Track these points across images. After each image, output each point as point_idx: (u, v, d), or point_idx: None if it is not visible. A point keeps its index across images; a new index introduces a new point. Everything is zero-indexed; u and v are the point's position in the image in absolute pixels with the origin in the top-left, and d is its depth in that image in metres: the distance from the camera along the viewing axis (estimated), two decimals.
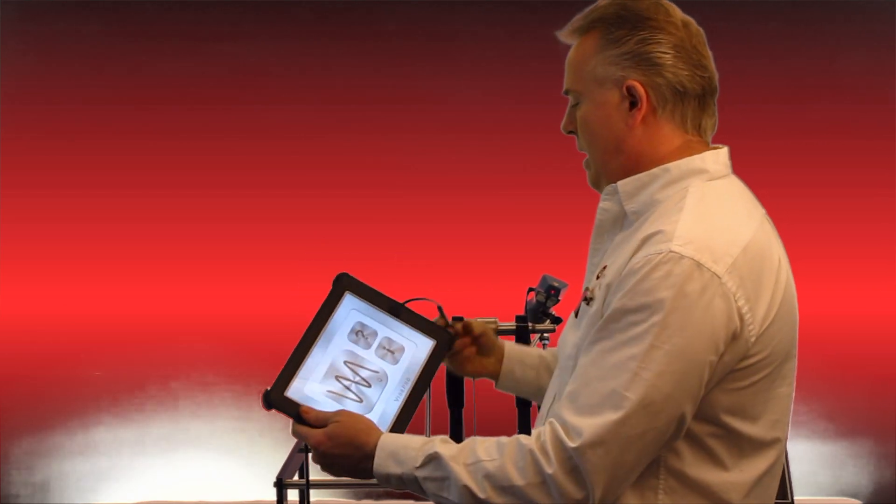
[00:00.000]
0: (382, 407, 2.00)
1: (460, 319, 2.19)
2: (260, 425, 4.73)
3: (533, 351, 2.24)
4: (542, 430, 1.75)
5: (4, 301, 4.73)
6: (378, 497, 4.60)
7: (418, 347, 2.07)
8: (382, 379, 2.03)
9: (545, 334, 3.16)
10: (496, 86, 4.81)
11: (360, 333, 2.06)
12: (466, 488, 1.77)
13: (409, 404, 2.01)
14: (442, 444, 1.82)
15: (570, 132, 1.94)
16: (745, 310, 1.74)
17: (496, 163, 4.79)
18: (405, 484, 1.84)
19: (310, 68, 4.84)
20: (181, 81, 4.82)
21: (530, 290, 3.10)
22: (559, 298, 3.07)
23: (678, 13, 1.87)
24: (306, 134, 4.83)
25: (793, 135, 4.74)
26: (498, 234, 4.74)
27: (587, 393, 1.73)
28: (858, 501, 4.56)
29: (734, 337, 1.74)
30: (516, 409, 3.20)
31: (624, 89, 1.85)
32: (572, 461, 1.71)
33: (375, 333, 2.07)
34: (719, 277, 1.72)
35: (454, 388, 3.17)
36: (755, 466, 1.82)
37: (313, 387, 2.00)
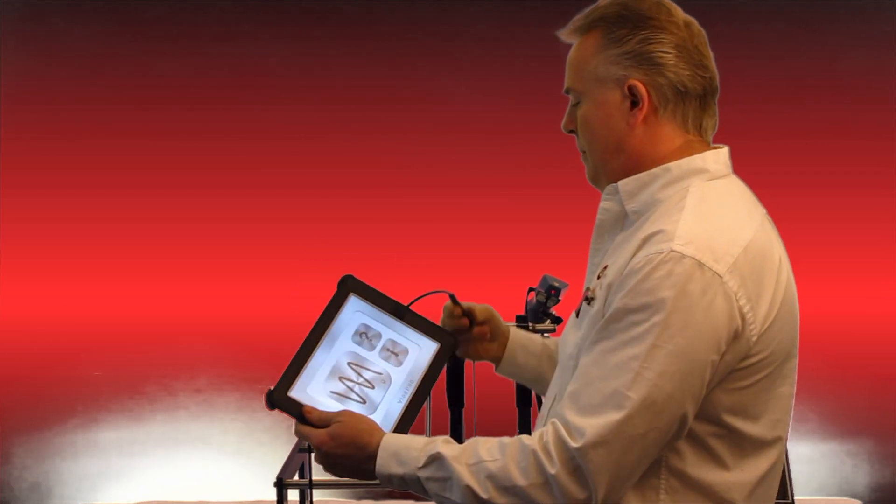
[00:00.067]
0: (385, 408, 2.00)
1: (469, 310, 2.18)
2: (260, 425, 4.73)
3: (536, 338, 2.24)
4: (545, 430, 1.75)
5: (4, 301, 4.73)
6: (378, 497, 4.60)
7: (422, 350, 2.07)
8: (386, 381, 2.03)
9: (545, 334, 3.15)
10: (496, 86, 4.81)
11: (364, 335, 2.06)
12: (469, 488, 1.77)
13: (412, 406, 2.01)
14: (444, 445, 1.82)
15: (571, 131, 1.94)
16: (746, 309, 1.74)
17: (496, 163, 4.79)
18: (407, 484, 1.84)
19: (310, 68, 4.84)
20: (181, 81, 4.82)
21: (530, 290, 3.11)
22: (559, 298, 3.07)
23: (680, 13, 1.88)
24: (306, 134, 4.83)
25: (793, 135, 4.74)
26: (498, 234, 4.74)
27: (589, 393, 1.73)
28: (858, 501, 4.56)
29: (735, 336, 1.74)
30: (516, 410, 3.20)
31: (625, 89, 1.85)
32: (575, 461, 1.71)
33: (379, 335, 2.07)
34: (721, 277, 1.73)
35: (454, 388, 3.17)
36: (756, 466, 1.82)
37: (316, 387, 2.00)
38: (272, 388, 1.98)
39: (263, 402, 1.98)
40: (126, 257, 4.76)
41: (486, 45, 4.81)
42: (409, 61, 4.83)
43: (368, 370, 2.04)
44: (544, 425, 1.81)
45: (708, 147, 1.89)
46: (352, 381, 2.02)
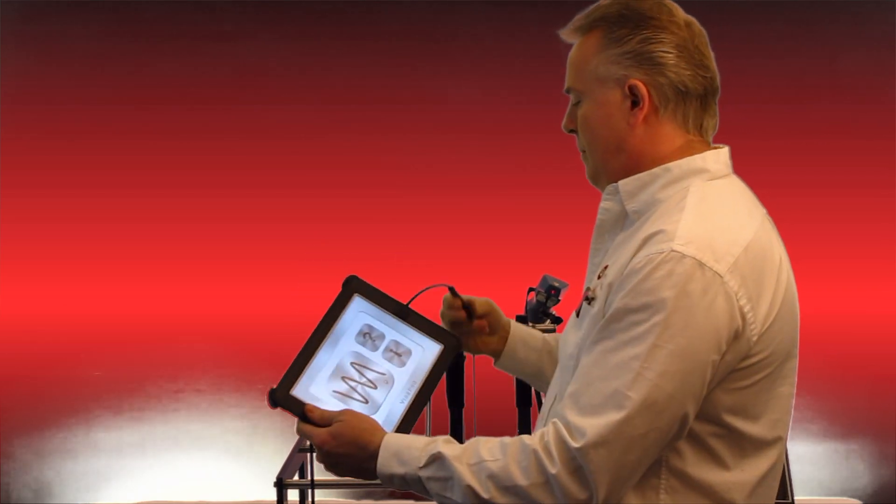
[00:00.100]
0: (388, 409, 2.01)
1: (468, 303, 2.18)
2: (260, 425, 4.73)
3: (537, 333, 2.24)
4: (546, 430, 1.75)
5: (4, 301, 4.73)
6: (378, 497, 4.60)
7: (425, 351, 2.07)
8: (389, 381, 2.03)
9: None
10: (496, 86, 4.81)
11: (367, 335, 2.07)
12: (470, 488, 1.77)
13: (414, 407, 2.01)
14: (445, 445, 1.82)
15: (571, 131, 1.94)
16: (746, 309, 1.74)
17: (496, 163, 4.79)
18: (408, 484, 1.84)
19: (310, 68, 4.84)
20: (181, 81, 4.82)
21: (530, 290, 3.10)
22: (559, 298, 3.07)
23: (681, 13, 1.88)
24: (306, 134, 4.83)
25: (793, 135, 4.74)
26: (498, 234, 4.74)
27: (590, 393, 1.73)
28: (858, 501, 4.56)
29: (736, 336, 1.74)
30: (516, 410, 3.20)
31: (626, 88, 1.85)
32: (576, 461, 1.71)
33: (383, 336, 2.07)
34: (721, 277, 1.73)
35: (454, 388, 3.17)
36: (757, 466, 1.82)
37: (319, 386, 2.00)
38: (275, 386, 1.98)
39: (266, 400, 1.98)
40: (126, 257, 4.76)
41: (486, 45, 4.81)
42: (409, 61, 4.83)
43: (371, 370, 2.04)
44: (545, 425, 1.81)
45: (708, 147, 1.89)
46: (354, 380, 2.03)
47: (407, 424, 1.99)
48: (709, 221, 1.77)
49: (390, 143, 4.80)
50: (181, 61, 4.82)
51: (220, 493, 4.61)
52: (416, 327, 2.08)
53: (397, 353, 2.06)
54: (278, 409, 1.98)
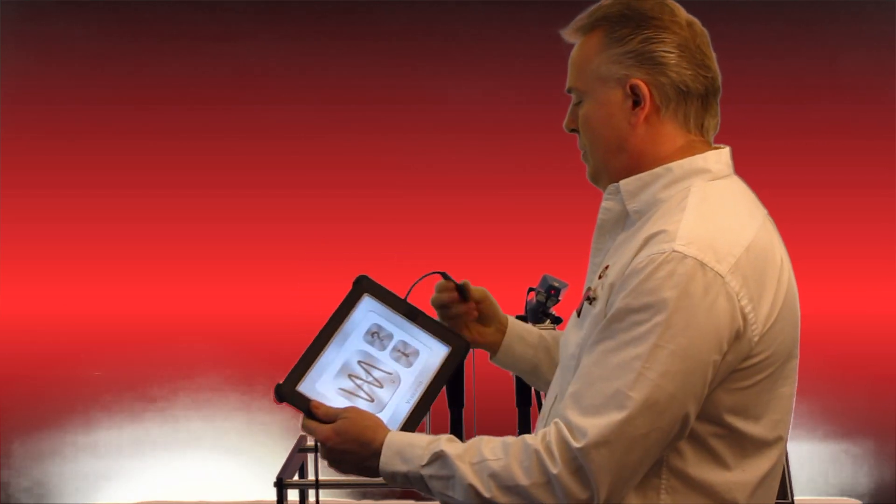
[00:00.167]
0: (393, 408, 2.01)
1: (462, 285, 2.18)
2: (260, 425, 4.73)
3: (534, 329, 2.24)
4: (548, 430, 1.75)
5: (4, 301, 4.73)
6: (379, 497, 4.60)
7: (433, 352, 2.08)
8: (395, 381, 2.04)
9: None
10: (496, 86, 4.80)
11: (375, 335, 2.08)
12: (471, 487, 1.77)
13: (420, 407, 2.02)
14: (448, 443, 1.82)
15: (573, 130, 1.95)
16: (748, 309, 1.74)
17: (496, 163, 4.78)
18: (411, 482, 1.84)
19: (310, 68, 4.84)
20: (181, 81, 4.82)
21: (530, 290, 3.11)
22: (559, 298, 3.07)
23: (682, 13, 1.88)
24: (306, 134, 4.82)
25: (793, 135, 4.74)
26: (498, 234, 4.74)
27: (591, 393, 1.73)
28: (858, 501, 4.57)
29: (737, 336, 1.74)
30: (516, 410, 3.20)
31: (627, 88, 1.85)
32: (577, 461, 1.71)
33: (391, 336, 2.08)
34: (722, 277, 1.73)
35: (454, 388, 3.17)
36: (757, 466, 1.82)
37: (325, 383, 2.01)
38: (281, 381, 1.99)
39: (272, 395, 1.99)
40: (126, 257, 4.76)
41: (486, 45, 4.81)
42: (409, 61, 4.82)
43: (378, 369, 2.05)
44: (545, 425, 1.81)
45: (710, 147, 1.89)
46: (361, 379, 2.04)
47: (412, 424, 1.99)
48: (710, 222, 1.77)
49: (390, 143, 4.80)
50: (181, 61, 4.81)
51: (219, 493, 4.61)
52: (424, 328, 2.09)
53: (405, 354, 2.07)
54: (281, 407, 1.99)
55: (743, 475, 1.81)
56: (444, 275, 2.16)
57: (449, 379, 2.09)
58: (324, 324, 2.07)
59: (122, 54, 4.81)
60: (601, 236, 1.94)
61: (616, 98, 1.86)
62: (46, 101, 4.79)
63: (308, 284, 4.65)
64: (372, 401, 2.02)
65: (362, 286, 2.10)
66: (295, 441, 3.64)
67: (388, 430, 1.90)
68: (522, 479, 1.74)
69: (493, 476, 1.76)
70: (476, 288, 2.19)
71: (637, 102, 1.85)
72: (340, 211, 4.77)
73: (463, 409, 3.18)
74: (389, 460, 1.85)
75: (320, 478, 2.96)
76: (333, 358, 2.03)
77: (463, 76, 4.81)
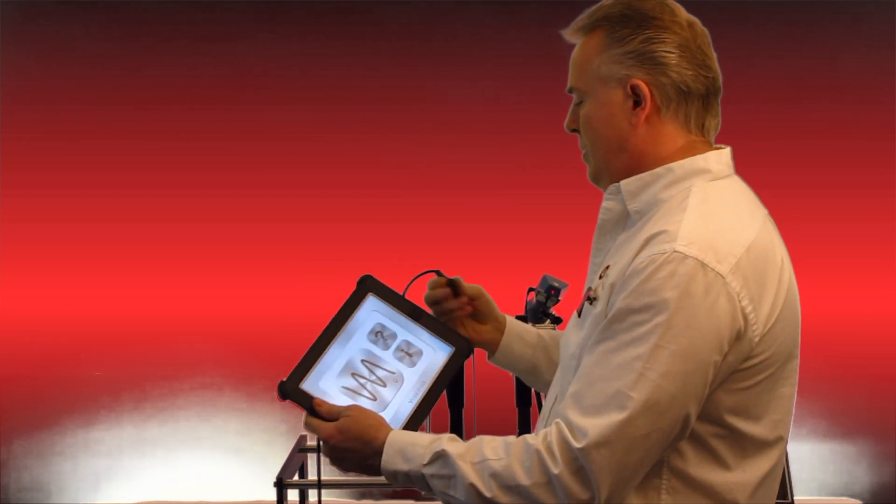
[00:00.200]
0: (396, 407, 2.02)
1: (454, 280, 2.17)
2: (260, 425, 4.73)
3: (532, 329, 2.24)
4: (549, 430, 1.76)
5: (4, 301, 4.73)
6: (379, 497, 4.60)
7: (436, 353, 2.09)
8: (398, 380, 2.05)
9: None
10: (496, 86, 4.80)
11: (379, 334, 2.09)
12: (473, 486, 1.77)
13: (422, 406, 2.03)
14: (450, 443, 1.83)
15: (574, 130, 1.95)
16: (748, 310, 1.74)
17: (496, 163, 4.78)
18: (412, 481, 1.85)
19: (310, 68, 4.84)
20: (181, 81, 4.81)
21: (530, 290, 3.11)
22: (559, 298, 3.07)
23: (683, 13, 1.88)
24: (306, 134, 4.82)
25: (793, 135, 4.74)
26: (498, 234, 4.73)
27: (592, 393, 1.73)
28: (858, 501, 4.57)
29: (738, 337, 1.74)
30: (516, 410, 3.20)
31: (628, 88, 1.85)
32: (578, 462, 1.71)
33: (395, 336, 2.09)
34: (723, 277, 1.73)
35: (454, 388, 3.17)
36: (758, 466, 1.82)
37: (329, 382, 2.02)
38: (284, 379, 2.00)
39: (272, 395, 2.00)
40: (126, 257, 4.76)
41: (486, 45, 4.81)
42: (409, 61, 4.82)
43: (381, 368, 2.06)
44: (546, 425, 1.81)
45: (710, 147, 1.89)
46: (364, 378, 2.04)
47: (414, 424, 2.00)
48: (711, 222, 1.78)
49: (390, 143, 4.80)
50: (181, 61, 4.81)
51: (219, 493, 4.61)
52: (428, 329, 2.10)
53: (408, 353, 2.08)
54: (281, 407, 2.00)
55: (743, 475, 1.81)
56: (437, 273, 2.17)
57: (451, 379, 2.10)
58: (327, 323, 2.07)
59: (122, 54, 4.81)
60: (602, 236, 1.94)
61: (617, 98, 1.87)
62: (46, 101, 4.79)
63: (308, 284, 4.65)
64: (375, 399, 2.03)
65: (366, 286, 2.11)
66: (295, 441, 3.64)
67: (391, 429, 1.90)
68: (523, 479, 1.75)
69: (495, 476, 1.77)
70: (470, 285, 2.19)
71: (638, 102, 1.85)
72: (340, 211, 4.77)
73: (463, 409, 3.18)
74: (391, 459, 1.85)
75: (322, 478, 2.96)
76: (337, 356, 2.04)
77: (463, 76, 4.81)
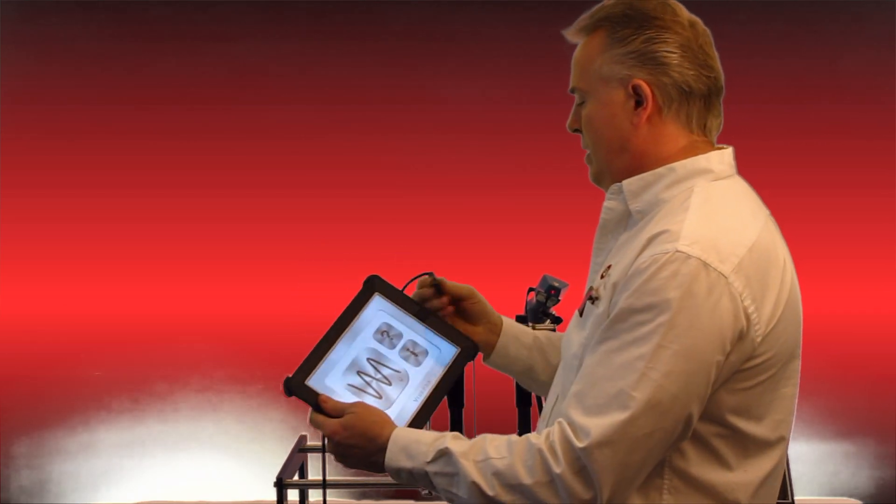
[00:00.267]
0: (401, 405, 2.04)
1: (438, 280, 2.16)
2: (260, 425, 4.73)
3: (528, 330, 2.23)
4: (551, 430, 1.76)
5: (4, 301, 4.73)
6: (378, 497, 4.60)
7: (442, 353, 2.11)
8: (403, 379, 2.06)
9: None
10: (496, 86, 4.80)
11: (385, 334, 2.10)
12: (475, 485, 1.78)
13: (427, 405, 2.04)
14: (453, 441, 1.83)
15: (576, 130, 1.95)
16: (751, 310, 1.75)
17: (496, 163, 4.78)
18: (415, 479, 1.85)
19: (310, 68, 4.84)
20: (181, 81, 4.81)
21: (530, 290, 3.10)
22: (559, 298, 3.07)
23: (685, 13, 1.88)
24: (306, 134, 4.82)
25: (793, 135, 4.74)
26: (498, 234, 4.73)
27: (594, 393, 1.73)
28: (858, 501, 4.56)
29: (740, 337, 1.74)
30: (516, 410, 3.20)
31: (629, 88, 1.85)
32: (580, 461, 1.71)
33: (401, 335, 2.11)
34: (726, 277, 1.73)
35: (454, 388, 3.17)
36: (760, 466, 1.82)
37: (334, 379, 2.03)
38: (290, 375, 2.01)
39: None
40: (126, 257, 4.75)
41: (486, 45, 4.81)
42: (409, 61, 4.82)
43: (387, 367, 2.07)
44: (547, 425, 1.82)
45: (712, 147, 1.89)
46: (370, 376, 2.06)
47: (419, 422, 2.02)
48: (713, 222, 1.78)
49: (390, 143, 4.80)
50: (181, 61, 4.81)
51: (219, 493, 4.61)
52: (434, 329, 2.12)
53: (414, 353, 2.09)
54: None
55: (745, 475, 1.81)
56: (430, 274, 2.17)
57: (456, 379, 2.11)
58: (328, 322, 2.08)
59: (122, 54, 4.80)
60: (603, 236, 1.95)
61: (618, 98, 1.87)
62: (46, 101, 4.79)
63: (308, 284, 4.65)
64: (380, 398, 2.04)
65: (373, 286, 2.12)
66: (295, 441, 3.64)
67: (395, 426, 1.91)
68: (526, 478, 1.75)
69: (497, 474, 1.77)
70: (462, 285, 2.18)
71: (639, 103, 1.85)
72: (341, 211, 4.77)
73: (463, 409, 3.18)
74: (395, 456, 1.86)
75: (318, 478, 2.96)
76: (343, 354, 2.06)
77: (463, 76, 4.81)
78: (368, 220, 4.75)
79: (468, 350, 2.12)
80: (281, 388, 2.02)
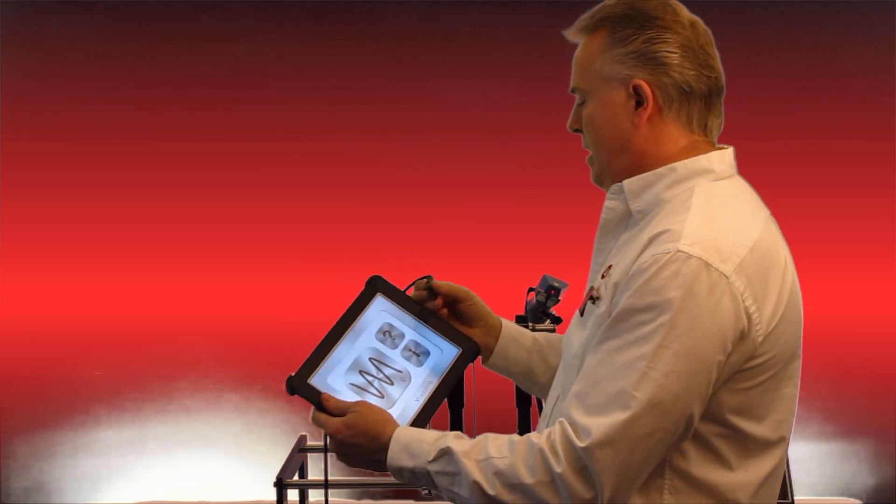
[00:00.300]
0: (403, 405, 2.04)
1: (431, 284, 2.16)
2: (260, 425, 4.73)
3: (527, 332, 2.23)
4: (553, 429, 1.76)
5: (4, 301, 4.73)
6: (378, 497, 4.60)
7: (444, 353, 2.11)
8: (405, 379, 2.07)
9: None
10: (496, 86, 4.81)
11: (387, 334, 2.11)
12: (476, 484, 1.78)
13: (429, 405, 2.05)
14: (455, 440, 1.83)
15: (577, 130, 1.95)
16: (752, 310, 1.74)
17: (496, 163, 4.79)
18: (417, 478, 1.85)
19: (310, 68, 4.84)
20: (181, 81, 4.82)
21: (530, 290, 3.10)
22: (559, 298, 3.07)
23: (685, 13, 1.88)
24: (306, 134, 4.82)
25: (793, 135, 4.74)
26: (498, 234, 4.74)
27: (595, 393, 1.73)
28: (858, 501, 4.56)
29: (742, 337, 1.74)
30: (516, 410, 3.20)
31: (630, 88, 1.85)
32: (581, 461, 1.71)
33: (403, 335, 2.11)
34: (727, 277, 1.73)
35: (454, 388, 3.16)
36: (760, 466, 1.82)
37: (336, 378, 2.04)
38: (293, 374, 2.01)
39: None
40: (126, 257, 4.76)
41: (486, 45, 4.81)
42: (409, 61, 4.83)
43: (389, 367, 2.08)
44: (548, 425, 1.82)
45: (713, 147, 1.89)
46: (372, 375, 2.06)
47: (421, 422, 2.02)
48: (714, 222, 1.77)
49: (390, 143, 4.80)
50: (181, 61, 4.82)
51: (219, 493, 4.61)
52: (436, 330, 2.12)
53: (416, 353, 2.10)
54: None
55: (746, 475, 1.81)
56: (428, 278, 2.18)
57: (458, 379, 2.11)
58: (329, 322, 2.09)
59: (122, 54, 4.81)
60: (604, 236, 1.94)
61: (619, 98, 1.86)
62: (46, 101, 4.79)
63: (308, 284, 4.65)
64: (382, 397, 2.04)
65: (376, 286, 2.13)
66: (295, 441, 3.64)
67: (397, 425, 1.91)
68: (527, 478, 1.75)
69: (498, 474, 1.77)
70: (458, 287, 2.17)
71: (640, 103, 1.85)
72: (341, 211, 4.77)
73: (463, 409, 3.18)
74: (397, 455, 1.86)
75: (317, 478, 2.96)
76: (345, 353, 2.06)
77: (463, 76, 4.81)
78: (368, 220, 4.76)
79: (470, 351, 2.12)
80: (282, 387, 2.02)
